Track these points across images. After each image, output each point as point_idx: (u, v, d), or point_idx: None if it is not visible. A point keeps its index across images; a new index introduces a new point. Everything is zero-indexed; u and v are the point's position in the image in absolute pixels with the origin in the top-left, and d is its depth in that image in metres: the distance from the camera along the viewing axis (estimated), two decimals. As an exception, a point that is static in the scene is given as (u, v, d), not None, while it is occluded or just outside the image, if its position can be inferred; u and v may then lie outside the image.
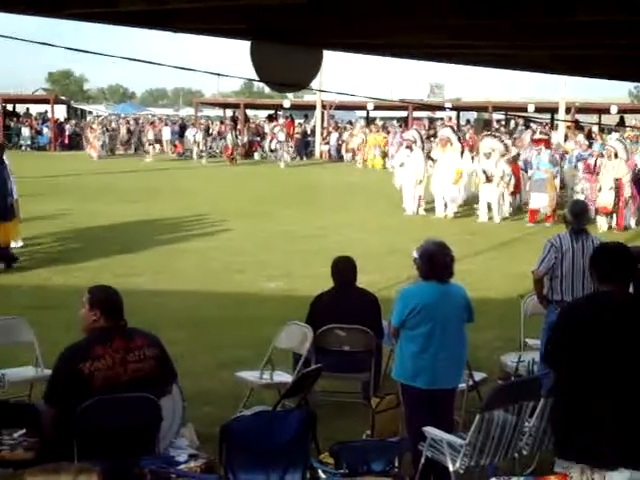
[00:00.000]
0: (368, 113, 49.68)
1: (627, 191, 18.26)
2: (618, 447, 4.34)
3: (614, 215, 18.34)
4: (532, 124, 39.68)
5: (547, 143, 20.49)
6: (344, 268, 7.55)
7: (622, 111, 43.25)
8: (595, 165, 19.46)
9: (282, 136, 38.13)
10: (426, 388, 5.74)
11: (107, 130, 43.05)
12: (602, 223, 18.04)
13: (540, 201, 18.89)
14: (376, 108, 46.11)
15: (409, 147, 20.98)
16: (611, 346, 4.39)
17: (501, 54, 5.46)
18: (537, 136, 22.25)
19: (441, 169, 20.11)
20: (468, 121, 46.17)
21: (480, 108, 43.78)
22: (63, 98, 56.88)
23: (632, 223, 18.68)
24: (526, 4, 3.37)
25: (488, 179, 19.35)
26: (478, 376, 7.13)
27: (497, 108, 43.63)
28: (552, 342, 4.64)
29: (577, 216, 7.28)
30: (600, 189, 18.44)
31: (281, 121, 46.06)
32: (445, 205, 20.08)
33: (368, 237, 16.72)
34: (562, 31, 4.06)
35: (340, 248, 11.91)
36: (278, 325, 7.60)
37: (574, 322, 4.53)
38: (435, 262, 5.83)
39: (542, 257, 7.20)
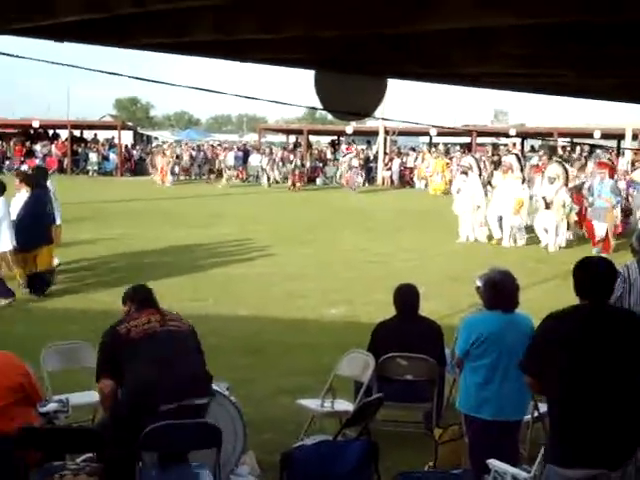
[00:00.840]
0: (431, 139, 49.60)
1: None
2: (612, 448, 4.36)
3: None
4: (598, 151, 39.17)
5: (611, 171, 20.07)
6: (407, 296, 7.50)
7: (691, 137, 42.36)
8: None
9: (356, 162, 38.47)
10: (491, 419, 5.65)
11: (177, 157, 43.60)
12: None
13: (600, 230, 18.54)
14: (439, 134, 46.02)
15: (465, 173, 20.81)
16: (580, 360, 4.39)
17: (571, 83, 5.40)
18: (603, 160, 21.90)
19: (499, 196, 19.82)
20: (532, 147, 45.76)
21: (545, 134, 43.32)
22: (130, 124, 57.90)
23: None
24: (606, 34, 3.32)
25: (547, 205, 19.07)
26: (543, 407, 6.99)
27: (562, 134, 43.13)
28: (529, 350, 4.63)
29: (646, 245, 7.12)
30: None
31: (343, 147, 46.38)
32: (514, 236, 19.74)
33: (429, 263, 16.62)
34: (636, 60, 3.99)
35: (402, 274, 11.88)
36: (339, 352, 7.57)
37: (549, 334, 4.52)
38: (500, 291, 5.76)
39: (610, 287, 7.04)
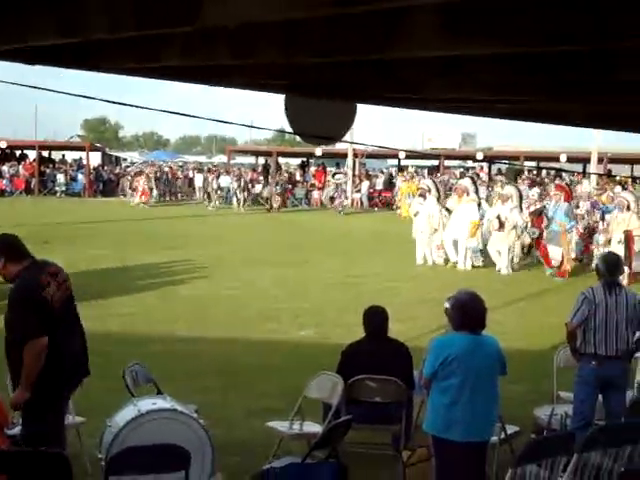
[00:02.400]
0: (400, 162, 49.92)
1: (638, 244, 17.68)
2: None
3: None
4: (564, 175, 39.62)
5: (567, 195, 20.06)
6: (376, 318, 7.53)
7: (655, 161, 43.07)
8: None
9: (345, 186, 38.86)
10: (458, 441, 5.67)
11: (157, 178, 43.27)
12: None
13: (555, 254, 18.53)
14: (408, 157, 46.33)
15: (423, 195, 20.74)
16: None
17: (538, 109, 5.49)
18: (560, 182, 21.78)
19: (455, 220, 19.67)
20: (500, 171, 46.22)
21: (511, 157, 43.76)
22: (98, 145, 57.60)
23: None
24: (573, 62, 3.41)
25: (501, 225, 18.90)
26: (510, 429, 7.05)
27: (529, 158, 43.61)
28: None
29: (609, 268, 7.23)
30: (609, 241, 17.93)
31: (312, 169, 46.58)
32: (465, 256, 19.59)
33: (398, 286, 16.70)
34: (602, 88, 4.08)
35: (371, 297, 11.92)
36: (309, 374, 7.57)
37: None
38: (467, 312, 5.81)
39: (575, 309, 7.14)
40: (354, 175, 42.37)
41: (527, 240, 19.85)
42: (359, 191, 41.71)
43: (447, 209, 20.34)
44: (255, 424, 7.98)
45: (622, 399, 7.08)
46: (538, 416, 7.63)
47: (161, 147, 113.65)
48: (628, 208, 18.01)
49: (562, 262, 18.38)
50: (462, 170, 43.89)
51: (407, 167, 48.29)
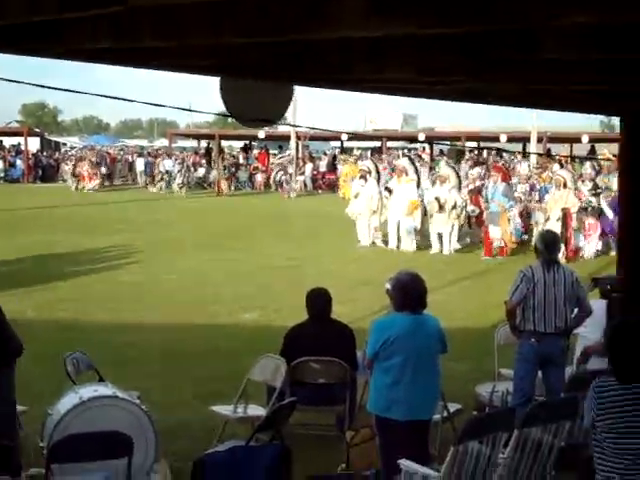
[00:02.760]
0: (342, 144, 49.95)
1: (574, 222, 18.09)
2: None
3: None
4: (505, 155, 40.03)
5: (504, 175, 20.13)
6: (318, 300, 7.55)
7: (593, 140, 43.69)
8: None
9: (291, 169, 38.58)
10: (401, 419, 5.73)
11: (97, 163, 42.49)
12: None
13: (495, 233, 18.60)
14: (350, 139, 46.37)
15: (363, 177, 20.56)
16: None
17: (471, 88, 5.54)
18: (497, 163, 21.77)
19: (395, 200, 19.62)
20: (441, 151, 46.52)
21: (453, 138, 44.05)
22: (37, 130, 56.64)
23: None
24: (498, 42, 3.44)
25: (440, 207, 18.92)
26: (453, 407, 7.13)
27: (470, 138, 43.95)
28: None
29: (547, 246, 7.33)
30: (548, 219, 18.11)
31: (255, 152, 46.44)
32: (399, 238, 19.58)
33: (341, 268, 16.73)
34: (530, 67, 4.13)
35: (314, 279, 11.93)
36: (253, 357, 7.57)
37: None
38: (408, 293, 5.86)
39: (514, 287, 7.22)
40: (297, 158, 42.24)
41: (463, 220, 19.94)
42: (303, 174, 41.60)
43: (388, 189, 20.28)
44: (199, 408, 7.95)
45: (561, 375, 7.20)
46: (479, 393, 7.73)
47: (102, 131, 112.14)
48: (565, 185, 18.23)
49: (504, 241, 18.58)
50: (404, 151, 43.95)
51: (351, 149, 48.36)
